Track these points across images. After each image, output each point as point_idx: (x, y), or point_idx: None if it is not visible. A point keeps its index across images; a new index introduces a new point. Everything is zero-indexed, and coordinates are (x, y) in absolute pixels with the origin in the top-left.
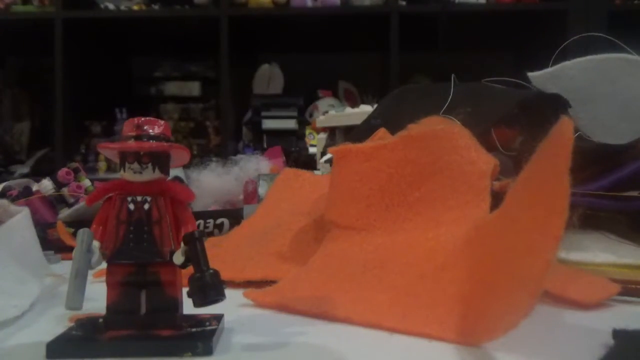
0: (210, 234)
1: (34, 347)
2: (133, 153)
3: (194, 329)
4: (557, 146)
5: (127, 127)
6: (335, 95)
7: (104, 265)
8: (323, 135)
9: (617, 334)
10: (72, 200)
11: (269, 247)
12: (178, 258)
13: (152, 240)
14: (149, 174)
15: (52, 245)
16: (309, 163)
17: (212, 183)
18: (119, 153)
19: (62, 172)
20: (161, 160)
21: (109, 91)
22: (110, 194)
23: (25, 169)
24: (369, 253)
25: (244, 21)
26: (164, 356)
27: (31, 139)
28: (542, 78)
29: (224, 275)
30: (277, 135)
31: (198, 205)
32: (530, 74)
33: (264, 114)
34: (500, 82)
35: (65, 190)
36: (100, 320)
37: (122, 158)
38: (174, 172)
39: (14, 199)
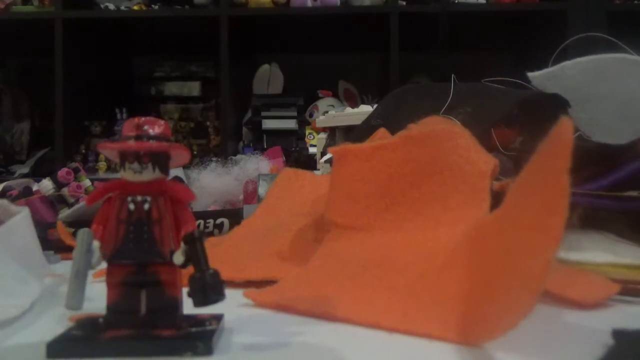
0: (210, 234)
1: (34, 347)
2: (133, 153)
3: (194, 329)
4: (557, 146)
5: (127, 127)
6: (335, 95)
7: (104, 265)
8: (323, 135)
9: (617, 334)
10: (72, 200)
11: (269, 247)
12: (178, 258)
13: (152, 240)
14: (149, 174)
15: (52, 245)
16: (309, 163)
17: (212, 183)
18: (119, 153)
19: (62, 172)
20: (161, 160)
21: (109, 91)
22: (110, 194)
23: (25, 169)
24: (369, 253)
25: (244, 21)
26: (164, 356)
27: (31, 139)
28: (542, 78)
29: (224, 275)
30: (277, 135)
31: (198, 205)
32: (530, 74)
33: (264, 114)
34: (500, 82)
35: (65, 190)
36: (100, 320)
37: (122, 158)
38: (174, 172)
39: (14, 199)
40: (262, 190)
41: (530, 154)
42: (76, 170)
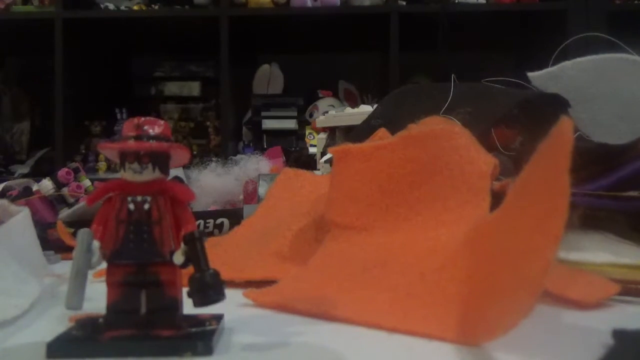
0: (210, 234)
1: (34, 347)
2: (133, 153)
3: (194, 329)
4: (557, 146)
5: (127, 127)
6: (335, 95)
7: (104, 265)
8: (323, 135)
9: (617, 334)
10: (72, 200)
11: (269, 247)
12: (178, 258)
13: (152, 240)
14: (149, 174)
15: (52, 245)
16: (309, 163)
17: (212, 183)
18: (119, 153)
19: (62, 172)
20: (161, 160)
21: (109, 91)
22: (110, 194)
23: (25, 169)
24: (369, 253)
25: (244, 21)
26: (164, 356)
27: (31, 139)
28: (542, 78)
29: (224, 275)
30: (277, 135)
31: (198, 205)
32: (530, 74)
33: (264, 114)
34: (500, 82)
35: (65, 190)
36: (100, 320)
37: (122, 158)
38: (174, 172)
39: (14, 199)
40: (262, 190)
41: (530, 154)
42: (76, 170)
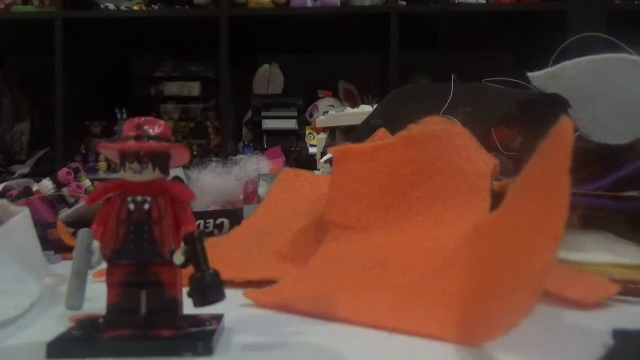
0: (210, 234)
1: (34, 347)
2: (133, 153)
3: (194, 329)
4: (557, 146)
5: (127, 127)
6: (335, 95)
7: (104, 265)
8: (323, 135)
9: (617, 334)
10: (72, 200)
11: (269, 247)
12: (178, 258)
13: (152, 240)
14: (149, 174)
15: (52, 245)
16: (309, 163)
17: (212, 183)
18: (119, 153)
19: (62, 172)
20: (161, 160)
21: (109, 91)
22: (111, 194)
23: (25, 169)
24: (369, 253)
25: (244, 21)
26: (164, 356)
27: (31, 139)
28: (542, 78)
29: (224, 275)
30: (277, 135)
31: (198, 205)
32: (530, 74)
33: (264, 114)
34: (500, 82)
35: (65, 190)
36: (100, 320)
37: (122, 158)
38: (174, 172)
39: (14, 199)
40: (262, 190)
41: (530, 154)
42: (76, 170)
